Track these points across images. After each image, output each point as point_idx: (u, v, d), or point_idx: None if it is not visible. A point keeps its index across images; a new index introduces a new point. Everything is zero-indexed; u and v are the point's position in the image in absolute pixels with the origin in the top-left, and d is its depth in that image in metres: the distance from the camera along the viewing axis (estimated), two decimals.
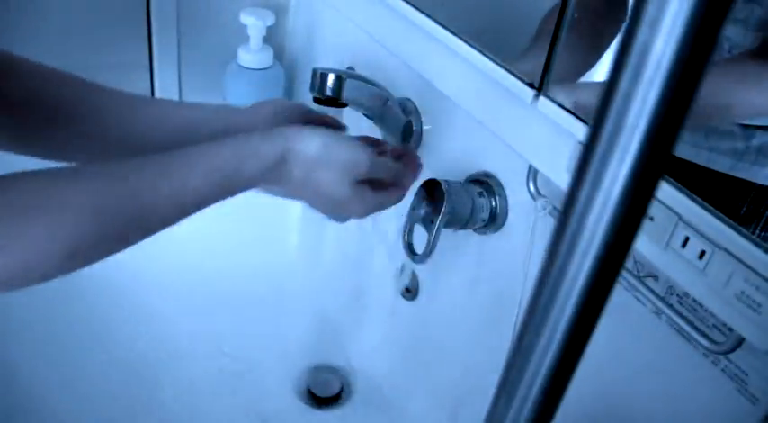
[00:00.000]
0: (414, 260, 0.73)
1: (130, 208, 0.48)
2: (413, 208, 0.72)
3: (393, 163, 0.62)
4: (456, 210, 0.69)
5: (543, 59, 0.58)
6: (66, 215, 0.45)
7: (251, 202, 1.06)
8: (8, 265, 0.43)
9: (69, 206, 0.45)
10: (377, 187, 0.60)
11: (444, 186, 0.68)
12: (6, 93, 0.55)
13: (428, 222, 0.70)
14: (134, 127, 0.58)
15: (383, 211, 0.90)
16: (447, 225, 0.70)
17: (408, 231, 0.74)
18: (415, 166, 0.65)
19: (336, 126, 0.66)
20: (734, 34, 0.50)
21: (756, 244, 0.45)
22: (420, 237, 0.71)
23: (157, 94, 1.01)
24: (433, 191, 0.70)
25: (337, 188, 0.56)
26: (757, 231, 0.46)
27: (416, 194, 0.72)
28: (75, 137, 0.58)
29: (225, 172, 0.52)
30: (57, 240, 0.44)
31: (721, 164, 0.53)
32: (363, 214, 0.60)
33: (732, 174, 0.52)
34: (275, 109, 0.62)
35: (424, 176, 0.72)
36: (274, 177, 0.54)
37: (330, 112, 0.70)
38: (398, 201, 0.63)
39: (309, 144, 0.55)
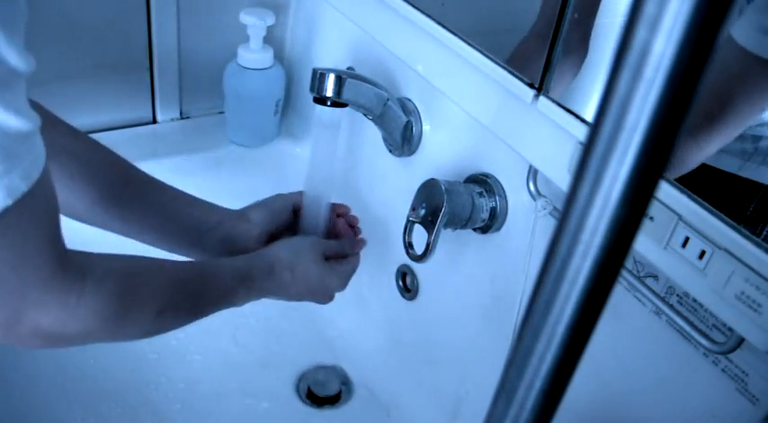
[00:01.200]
0: (414, 260, 0.73)
1: (192, 301, 0.60)
2: (413, 208, 0.72)
3: (338, 241, 0.75)
4: (456, 210, 0.69)
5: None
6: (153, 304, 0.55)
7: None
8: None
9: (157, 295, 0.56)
10: (340, 261, 0.73)
11: (444, 186, 0.68)
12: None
13: (428, 222, 0.70)
14: (158, 218, 0.69)
15: (385, 211, 0.91)
16: (447, 225, 0.70)
17: (408, 231, 0.74)
18: (359, 241, 0.77)
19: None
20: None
21: (756, 244, 0.45)
22: (420, 237, 0.71)
23: (158, 94, 1.01)
24: (432, 191, 0.70)
25: (315, 269, 0.69)
26: (764, 232, 0.46)
27: (416, 194, 0.72)
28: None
29: (245, 280, 0.65)
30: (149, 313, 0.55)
31: (730, 164, 0.53)
32: (343, 285, 0.73)
33: (740, 174, 0.52)
34: (268, 225, 0.73)
35: (423, 179, 0.72)
36: (275, 284, 0.67)
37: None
38: (356, 265, 0.75)
39: (281, 254, 0.68)
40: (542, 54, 0.58)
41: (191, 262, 0.64)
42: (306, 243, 0.71)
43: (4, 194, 0.40)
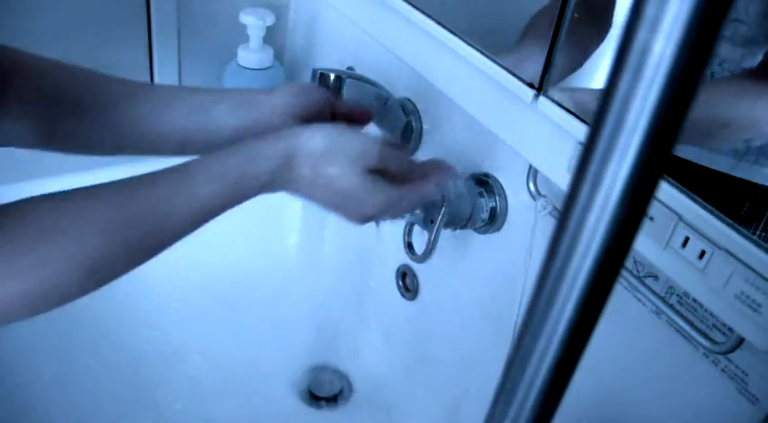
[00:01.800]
0: (414, 260, 0.73)
1: (145, 222, 0.49)
2: None
3: (406, 155, 0.60)
4: (456, 210, 0.69)
5: (531, 55, 0.58)
6: (82, 234, 0.45)
7: (251, 202, 1.06)
8: (30, 290, 0.44)
9: (84, 225, 0.45)
10: (396, 182, 0.57)
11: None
12: (21, 91, 0.55)
13: (428, 222, 0.70)
14: (148, 114, 0.58)
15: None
16: (447, 225, 0.70)
17: (408, 231, 0.74)
18: (444, 168, 0.61)
19: (362, 117, 0.64)
20: (722, 50, 0.51)
21: (756, 244, 0.45)
22: (420, 237, 0.71)
23: None
24: None
25: (348, 179, 0.53)
26: (758, 232, 0.46)
27: None
28: (93, 129, 0.58)
29: (233, 178, 0.52)
30: (74, 260, 0.45)
31: (722, 164, 0.53)
32: (384, 208, 0.56)
33: (733, 174, 0.52)
34: (293, 99, 0.60)
35: None
36: (284, 179, 0.54)
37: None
38: (424, 199, 0.59)
39: (312, 140, 0.53)
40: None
41: (145, 175, 0.50)
42: (355, 141, 0.54)
43: None
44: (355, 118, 0.64)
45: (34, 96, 0.56)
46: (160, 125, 0.59)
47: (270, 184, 0.54)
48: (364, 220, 0.57)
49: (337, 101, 0.63)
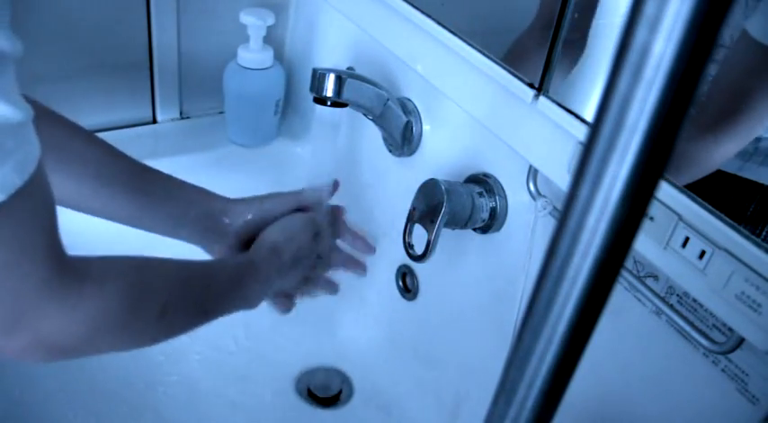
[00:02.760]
0: (414, 260, 0.73)
1: (199, 298, 0.59)
2: (413, 208, 0.72)
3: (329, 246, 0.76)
4: (456, 210, 0.69)
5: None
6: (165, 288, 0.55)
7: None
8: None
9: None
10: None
11: (444, 186, 0.68)
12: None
13: (428, 222, 0.70)
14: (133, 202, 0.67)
15: (385, 211, 0.91)
16: (447, 225, 0.70)
17: (408, 231, 0.74)
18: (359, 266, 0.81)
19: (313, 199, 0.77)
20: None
21: (756, 244, 0.45)
22: (420, 237, 0.71)
23: (158, 94, 1.01)
24: (432, 191, 0.70)
25: (310, 247, 0.71)
26: (764, 232, 0.46)
27: (416, 194, 0.72)
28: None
29: (250, 273, 0.65)
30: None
31: (730, 164, 0.53)
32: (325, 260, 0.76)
33: (740, 175, 0.52)
34: (258, 217, 0.72)
35: (423, 179, 0.72)
36: (277, 266, 0.67)
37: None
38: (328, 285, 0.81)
39: (274, 233, 0.69)
40: (541, 49, 0.58)
41: (194, 260, 0.63)
42: (298, 222, 0.72)
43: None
44: (306, 203, 0.76)
45: None
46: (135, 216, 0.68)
47: (274, 278, 0.68)
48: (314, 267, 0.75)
49: (288, 198, 0.75)
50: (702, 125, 0.54)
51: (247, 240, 0.71)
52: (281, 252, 0.68)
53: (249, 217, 0.72)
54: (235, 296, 0.62)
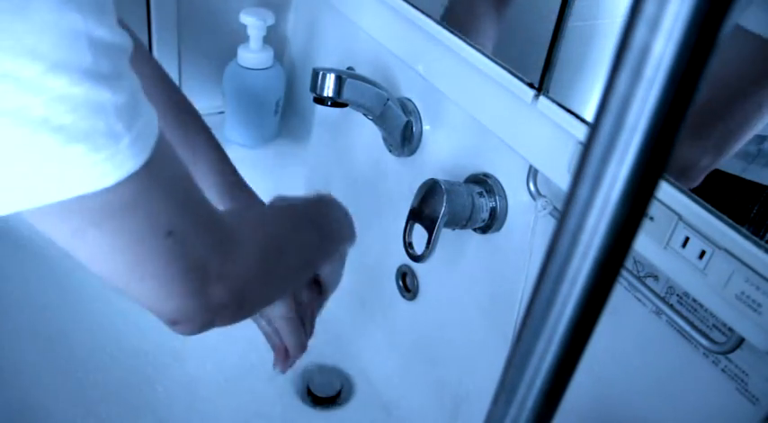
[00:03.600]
0: (414, 260, 0.73)
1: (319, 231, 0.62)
2: (413, 208, 0.72)
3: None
4: (456, 210, 0.69)
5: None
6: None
7: None
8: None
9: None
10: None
11: (444, 186, 0.68)
12: None
13: (428, 222, 0.70)
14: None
15: (385, 211, 0.91)
16: (447, 225, 0.70)
17: (408, 231, 0.74)
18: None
19: None
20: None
21: (756, 244, 0.45)
22: (420, 237, 0.71)
23: None
24: (432, 191, 0.70)
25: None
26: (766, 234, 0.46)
27: (416, 194, 0.72)
28: None
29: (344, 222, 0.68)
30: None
31: (733, 166, 0.53)
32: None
33: (743, 176, 0.52)
34: None
35: (423, 179, 0.72)
36: (352, 233, 0.70)
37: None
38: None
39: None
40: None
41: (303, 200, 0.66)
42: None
43: (142, 146, 0.36)
44: None
45: None
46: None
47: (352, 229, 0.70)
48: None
49: None
50: (699, 126, 0.54)
51: None
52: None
53: None
54: (340, 226, 0.66)
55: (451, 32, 0.68)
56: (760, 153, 0.53)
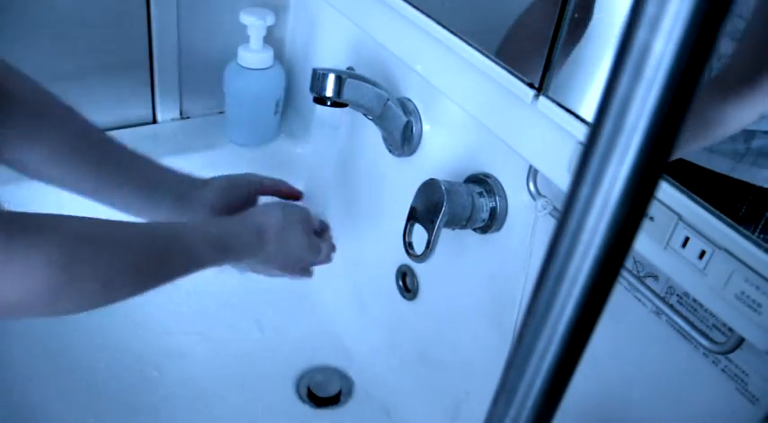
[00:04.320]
0: (414, 260, 0.73)
1: (152, 268, 0.57)
2: (413, 208, 0.72)
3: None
4: (455, 210, 0.69)
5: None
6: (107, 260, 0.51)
7: None
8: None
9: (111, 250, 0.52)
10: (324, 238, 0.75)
11: (444, 186, 0.68)
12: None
13: (428, 222, 0.70)
14: (111, 171, 0.67)
15: (385, 211, 0.91)
16: (447, 225, 0.70)
17: (408, 231, 0.74)
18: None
19: (292, 195, 0.78)
20: (723, 47, 0.50)
21: (756, 244, 0.45)
22: (420, 237, 0.71)
23: (158, 94, 1.01)
24: (432, 191, 0.70)
25: (301, 244, 0.69)
26: (756, 233, 0.46)
27: (416, 195, 0.72)
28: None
29: (220, 245, 0.62)
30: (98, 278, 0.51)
31: (722, 165, 0.53)
32: (319, 257, 0.73)
33: (732, 175, 0.52)
34: (221, 194, 0.72)
35: (423, 179, 0.72)
36: (254, 251, 0.65)
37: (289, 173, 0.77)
38: (334, 248, 0.77)
39: (272, 217, 0.67)
40: (546, 27, 0.56)
41: (157, 224, 0.61)
42: (300, 213, 0.70)
43: None
44: (284, 194, 0.77)
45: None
46: (114, 193, 0.68)
47: (242, 254, 0.65)
48: (303, 270, 0.73)
49: (264, 182, 0.76)
50: (725, 85, 0.52)
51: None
52: (269, 238, 0.66)
53: (215, 196, 0.71)
54: (193, 265, 0.60)
55: (451, 32, 0.68)
56: (748, 152, 0.52)
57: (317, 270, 0.77)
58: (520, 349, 0.26)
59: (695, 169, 0.51)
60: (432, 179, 0.70)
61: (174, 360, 0.89)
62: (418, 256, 0.72)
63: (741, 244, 0.45)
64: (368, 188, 0.93)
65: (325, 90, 0.70)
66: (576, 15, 0.56)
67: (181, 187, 0.70)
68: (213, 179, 0.73)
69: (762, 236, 0.46)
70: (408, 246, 0.74)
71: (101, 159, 0.66)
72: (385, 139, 0.84)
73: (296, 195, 0.78)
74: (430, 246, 0.69)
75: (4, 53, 0.74)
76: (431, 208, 0.69)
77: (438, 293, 0.84)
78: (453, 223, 0.70)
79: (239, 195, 0.73)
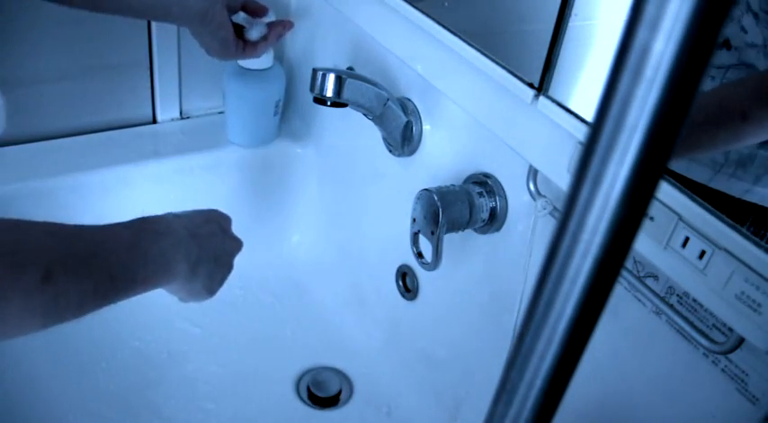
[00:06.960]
0: (425, 268, 0.74)
1: (84, 263, 0.52)
2: (413, 220, 0.72)
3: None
4: (454, 217, 0.69)
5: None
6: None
7: (251, 202, 1.06)
8: None
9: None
10: None
11: (436, 197, 0.68)
12: None
13: (429, 233, 0.70)
14: None
15: (385, 211, 0.91)
16: (449, 230, 0.70)
17: (414, 242, 0.74)
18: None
19: (260, 12, 0.86)
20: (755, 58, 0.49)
21: (756, 244, 0.45)
22: (425, 242, 0.71)
23: (158, 94, 1.01)
24: (427, 202, 0.70)
25: (220, 234, 0.67)
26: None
27: (414, 206, 0.72)
28: None
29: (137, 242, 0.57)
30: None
31: (700, 174, 0.52)
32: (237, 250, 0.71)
33: (710, 185, 0.52)
34: None
35: (423, 179, 0.72)
36: (170, 243, 0.61)
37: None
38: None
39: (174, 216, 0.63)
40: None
41: (73, 225, 0.54)
42: (206, 211, 0.68)
43: None
44: (252, 10, 0.85)
45: None
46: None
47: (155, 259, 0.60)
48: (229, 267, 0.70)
49: None
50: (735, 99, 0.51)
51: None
52: (177, 228, 0.61)
53: None
54: (122, 269, 0.55)
55: (452, 33, 0.68)
56: (726, 162, 0.52)
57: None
58: (520, 349, 0.26)
59: (673, 177, 0.51)
60: (424, 191, 0.70)
61: (173, 360, 0.89)
62: (428, 263, 0.72)
63: (741, 244, 0.45)
64: (368, 188, 0.93)
65: (325, 90, 0.70)
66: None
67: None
68: None
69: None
70: (418, 255, 0.74)
71: None
72: (385, 139, 0.84)
73: (263, 10, 0.86)
74: (436, 255, 0.70)
75: (4, 53, 0.74)
76: (429, 219, 0.69)
77: (438, 293, 0.84)
78: (455, 228, 0.70)
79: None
